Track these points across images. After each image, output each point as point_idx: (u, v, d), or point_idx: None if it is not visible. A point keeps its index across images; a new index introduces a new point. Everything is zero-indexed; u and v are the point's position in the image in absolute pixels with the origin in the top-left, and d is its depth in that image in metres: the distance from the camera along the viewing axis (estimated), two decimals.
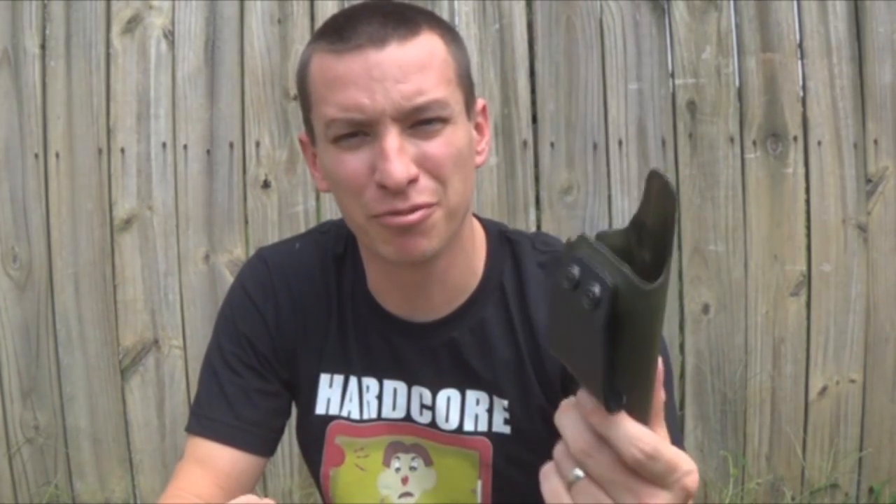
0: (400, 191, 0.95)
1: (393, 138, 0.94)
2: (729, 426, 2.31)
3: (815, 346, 2.31)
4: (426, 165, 0.96)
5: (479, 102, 1.07)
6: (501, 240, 1.12)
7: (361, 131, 0.96)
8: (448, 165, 0.97)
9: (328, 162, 1.00)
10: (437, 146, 0.97)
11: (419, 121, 0.96)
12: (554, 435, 1.09)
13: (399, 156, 0.94)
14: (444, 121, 0.97)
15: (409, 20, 0.97)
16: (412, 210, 0.96)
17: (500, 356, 1.07)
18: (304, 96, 1.03)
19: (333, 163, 0.99)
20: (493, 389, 1.07)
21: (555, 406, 1.06)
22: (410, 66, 0.95)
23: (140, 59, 2.26)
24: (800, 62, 2.29)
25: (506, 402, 1.07)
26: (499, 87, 2.26)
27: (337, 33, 0.97)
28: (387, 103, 0.94)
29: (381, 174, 0.94)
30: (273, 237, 2.26)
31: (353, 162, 0.97)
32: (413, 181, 0.95)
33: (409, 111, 0.94)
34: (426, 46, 0.97)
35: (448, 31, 1.02)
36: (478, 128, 1.06)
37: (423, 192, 0.96)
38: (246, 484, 1.11)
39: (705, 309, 2.30)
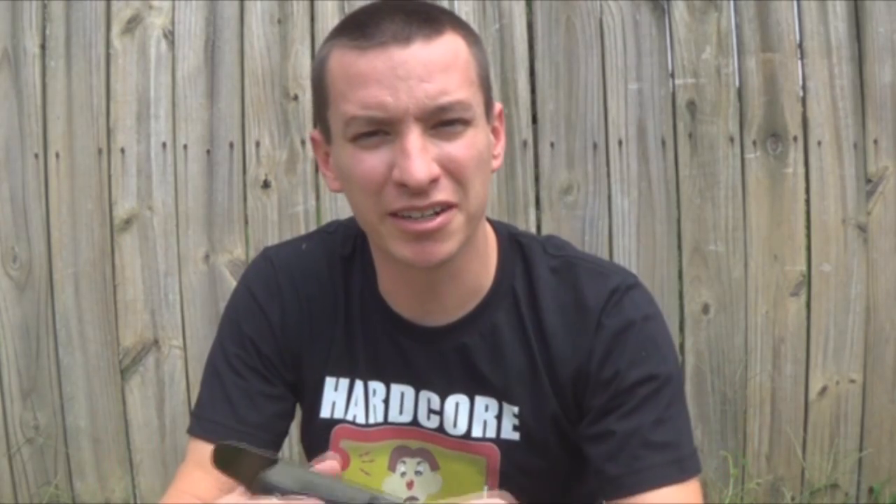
0: (421, 190, 0.93)
1: (415, 137, 0.93)
2: (729, 426, 2.31)
3: (815, 346, 2.31)
4: (449, 167, 0.95)
5: (497, 106, 1.05)
6: (512, 243, 1.10)
7: (382, 130, 0.94)
8: (470, 168, 0.96)
9: (344, 160, 0.98)
10: (460, 148, 0.95)
11: (441, 121, 0.94)
12: (563, 442, 1.09)
13: (421, 154, 0.93)
14: (466, 122, 0.96)
15: (433, 19, 0.96)
16: (430, 208, 0.94)
17: (512, 362, 1.06)
18: (321, 93, 1.00)
19: (350, 161, 0.97)
20: (502, 396, 1.06)
21: (567, 414, 1.06)
22: (435, 65, 0.93)
23: (140, 59, 2.26)
24: (800, 62, 2.29)
25: (516, 409, 1.06)
26: (499, 87, 2.26)
27: (360, 29, 0.95)
28: (410, 102, 0.92)
29: (402, 172, 0.93)
30: (273, 237, 2.26)
31: (372, 160, 0.95)
32: (434, 181, 0.94)
33: (432, 111, 0.93)
34: (450, 46, 0.96)
35: (470, 33, 1.01)
36: (494, 132, 1.04)
37: (444, 190, 0.95)
38: None
39: (705, 309, 2.30)
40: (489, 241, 1.09)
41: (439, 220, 0.95)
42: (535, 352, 1.05)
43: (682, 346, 2.31)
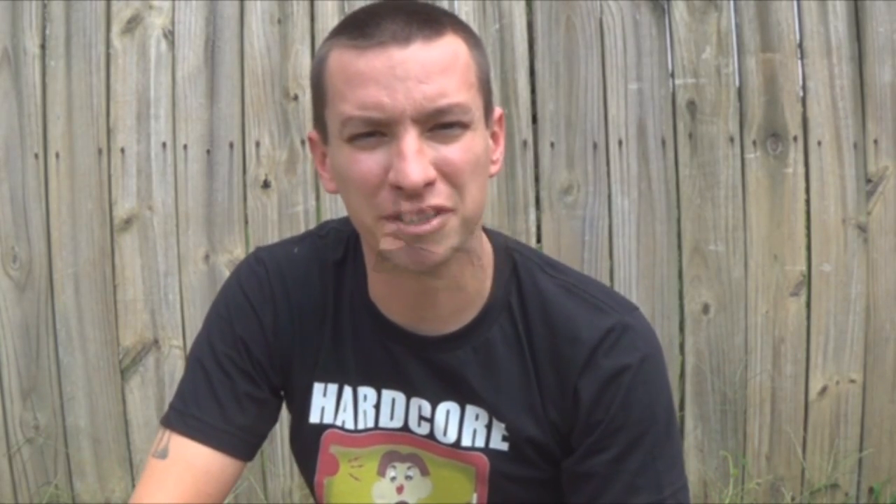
0: (416, 193, 0.92)
1: (412, 139, 0.92)
2: (729, 426, 2.31)
3: (815, 346, 2.31)
4: (444, 170, 0.94)
5: (497, 111, 1.04)
6: (508, 256, 1.09)
7: (379, 131, 0.94)
8: (466, 172, 0.95)
9: (341, 161, 0.97)
10: (456, 151, 0.94)
11: (439, 124, 0.93)
12: (551, 458, 1.08)
13: (417, 157, 0.92)
14: (465, 126, 0.95)
15: (433, 21, 0.95)
16: (425, 213, 0.94)
17: (505, 379, 1.05)
18: (319, 92, 0.99)
19: (347, 162, 0.96)
20: (493, 410, 1.06)
21: (556, 441, 1.06)
22: (434, 66, 0.93)
23: (140, 59, 2.26)
24: (800, 62, 2.29)
25: (504, 425, 1.05)
26: (499, 87, 2.26)
27: (359, 29, 0.94)
28: (408, 103, 0.91)
29: (398, 174, 0.92)
30: (273, 237, 2.26)
31: (368, 161, 0.94)
32: (429, 184, 0.93)
33: (430, 112, 0.92)
34: (450, 48, 0.95)
35: (471, 36, 1.00)
36: (493, 137, 1.03)
37: (439, 195, 0.94)
38: (226, 486, 1.10)
39: (705, 309, 2.30)
40: (485, 251, 1.07)
41: (434, 222, 0.94)
42: (530, 371, 1.05)
43: (682, 346, 2.31)
